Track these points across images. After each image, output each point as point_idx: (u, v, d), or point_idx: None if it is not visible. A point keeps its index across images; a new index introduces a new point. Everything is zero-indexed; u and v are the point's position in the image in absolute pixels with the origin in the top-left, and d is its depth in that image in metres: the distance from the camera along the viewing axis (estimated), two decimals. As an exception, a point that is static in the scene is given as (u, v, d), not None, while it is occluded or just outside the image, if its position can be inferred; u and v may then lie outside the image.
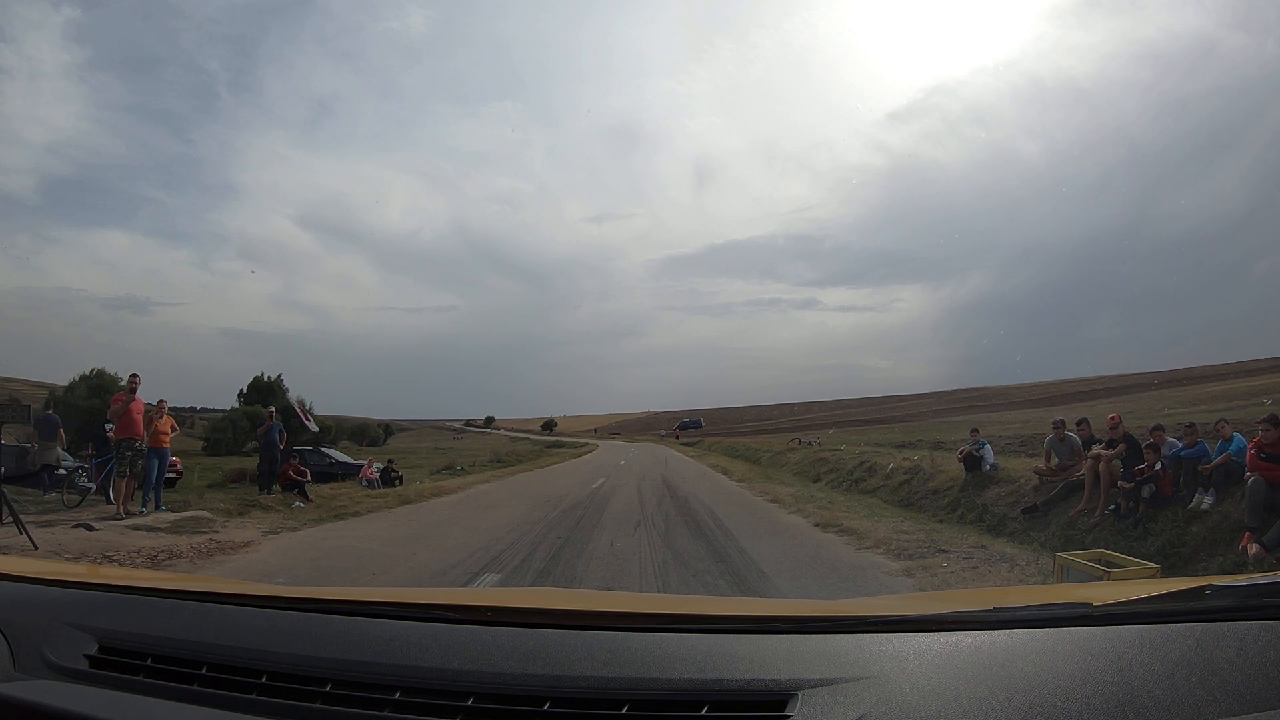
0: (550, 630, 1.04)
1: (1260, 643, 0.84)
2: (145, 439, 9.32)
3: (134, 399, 9.26)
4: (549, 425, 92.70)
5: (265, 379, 47.43)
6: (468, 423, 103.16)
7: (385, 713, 0.92)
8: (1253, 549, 5.63)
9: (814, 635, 1.01)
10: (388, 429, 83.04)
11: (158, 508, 9.44)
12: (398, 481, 16.62)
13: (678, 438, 66.41)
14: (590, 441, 62.88)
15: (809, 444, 27.40)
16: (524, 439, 69.91)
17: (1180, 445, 7.14)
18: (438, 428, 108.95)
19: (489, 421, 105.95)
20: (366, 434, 69.27)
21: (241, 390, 45.68)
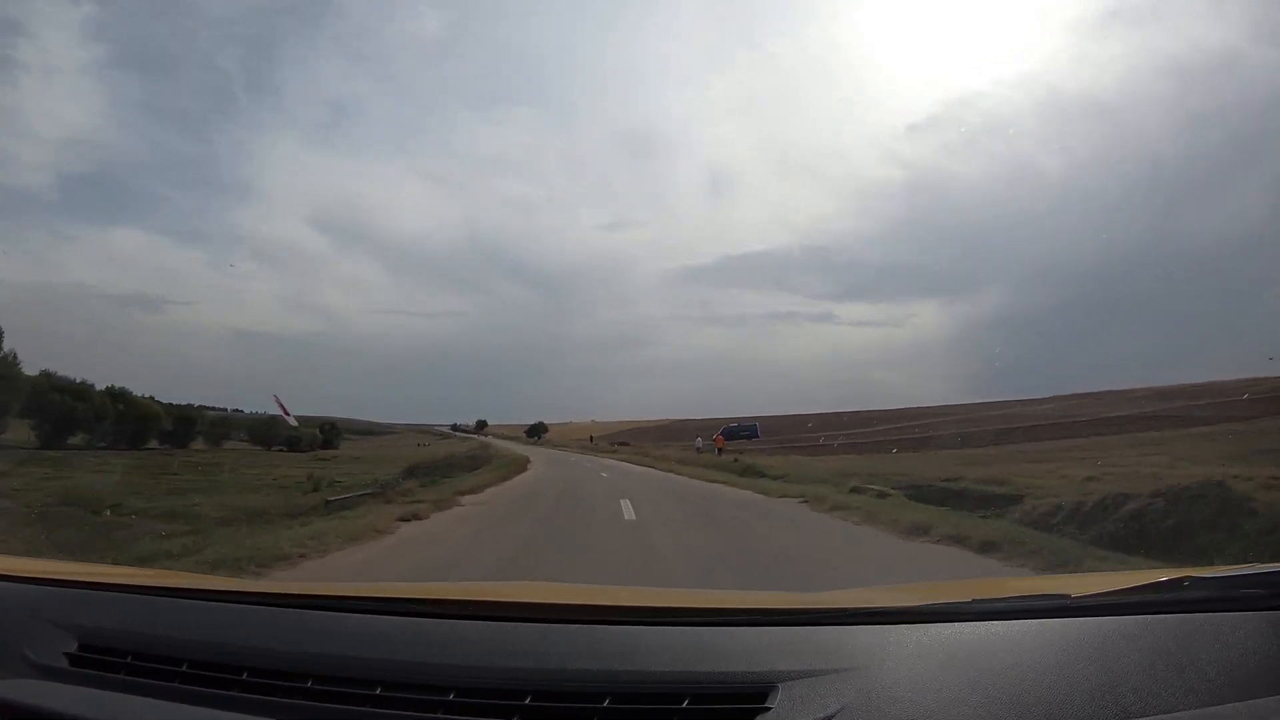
0: (531, 624, 1.04)
1: (1238, 634, 0.84)
2: None
3: None
4: (535, 430, 73.82)
5: None
6: (454, 426, 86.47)
7: (366, 708, 0.93)
8: None
9: (795, 627, 1.00)
10: (333, 427, 63.35)
11: None
12: None
13: (720, 452, 40.53)
14: (560, 453, 41.70)
15: None
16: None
17: None
18: (422, 431, 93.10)
19: (480, 426, 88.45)
20: (272, 429, 48.69)
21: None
